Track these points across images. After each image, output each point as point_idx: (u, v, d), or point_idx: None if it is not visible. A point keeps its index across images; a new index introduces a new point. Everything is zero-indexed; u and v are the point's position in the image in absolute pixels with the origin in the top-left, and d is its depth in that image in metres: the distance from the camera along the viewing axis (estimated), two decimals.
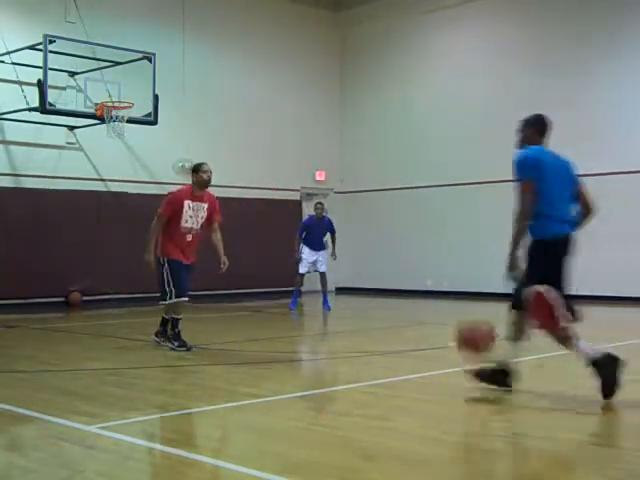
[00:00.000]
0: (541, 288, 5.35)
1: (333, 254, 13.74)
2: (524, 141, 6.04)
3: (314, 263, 13.62)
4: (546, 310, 5.27)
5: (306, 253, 13.50)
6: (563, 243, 5.66)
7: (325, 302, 13.79)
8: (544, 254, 5.58)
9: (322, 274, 13.79)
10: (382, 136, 18.34)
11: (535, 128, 6.01)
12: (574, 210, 5.85)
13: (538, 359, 7.21)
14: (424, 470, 3.98)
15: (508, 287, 5.80)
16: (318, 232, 13.63)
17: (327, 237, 13.89)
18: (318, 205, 13.84)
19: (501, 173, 16.29)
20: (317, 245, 13.60)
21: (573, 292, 5.74)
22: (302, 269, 13.59)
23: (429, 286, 17.17)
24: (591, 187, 16.20)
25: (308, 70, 18.45)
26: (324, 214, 13.87)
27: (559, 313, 5.25)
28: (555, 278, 5.51)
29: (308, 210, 18.73)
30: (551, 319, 5.26)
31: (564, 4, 15.64)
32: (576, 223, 5.83)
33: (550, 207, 5.66)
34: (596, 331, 8.25)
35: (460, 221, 16.85)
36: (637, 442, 4.59)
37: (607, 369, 5.27)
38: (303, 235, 13.57)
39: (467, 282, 16.58)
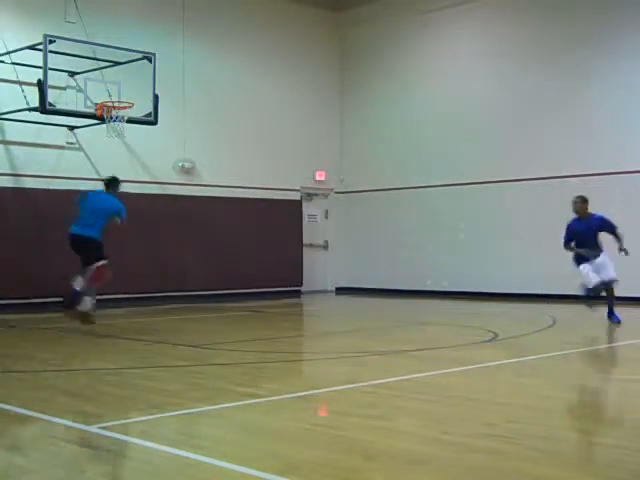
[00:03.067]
0: (101, 262, 10.33)
1: (622, 249, 10.87)
2: None
3: (598, 269, 10.90)
4: (100, 275, 10.36)
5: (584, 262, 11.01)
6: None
7: (612, 313, 11.09)
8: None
9: (609, 282, 10.96)
10: (382, 136, 18.33)
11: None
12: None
13: None
14: (424, 470, 3.98)
15: None
16: (586, 234, 11.02)
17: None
18: (576, 200, 11.15)
19: (501, 173, 16.38)
20: (590, 249, 10.97)
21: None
22: (589, 281, 10.86)
23: (429, 286, 17.18)
24: (591, 186, 16.23)
25: (308, 70, 18.45)
26: (591, 212, 11.15)
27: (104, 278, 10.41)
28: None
29: (308, 210, 18.76)
30: (99, 280, 10.41)
31: (564, 5, 15.63)
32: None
33: None
34: (595, 331, 8.26)
35: (460, 221, 16.85)
36: (637, 442, 4.59)
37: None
38: (572, 243, 11.13)
39: (467, 282, 16.58)
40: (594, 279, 10.77)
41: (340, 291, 18.71)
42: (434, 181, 17.23)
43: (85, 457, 4.33)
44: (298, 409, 5.62)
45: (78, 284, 10.35)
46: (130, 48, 13.59)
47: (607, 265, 10.88)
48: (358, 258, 18.62)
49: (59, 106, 13.23)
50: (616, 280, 10.92)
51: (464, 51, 17.08)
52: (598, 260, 10.85)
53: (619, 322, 10.88)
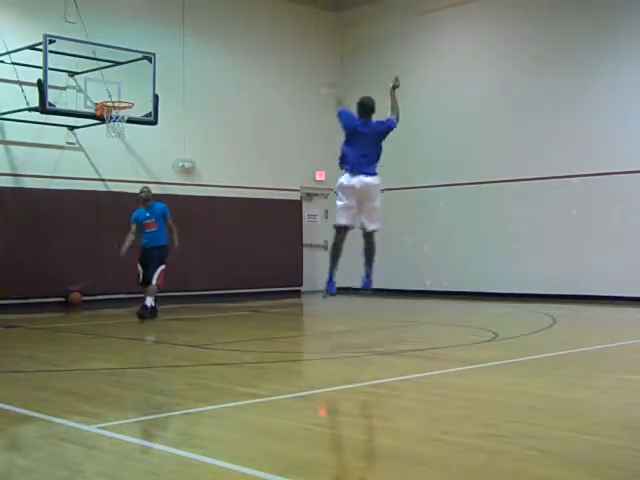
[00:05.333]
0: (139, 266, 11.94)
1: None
2: None
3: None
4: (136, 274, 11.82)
5: None
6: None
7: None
8: None
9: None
10: None
11: None
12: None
13: None
14: (424, 470, 3.98)
15: None
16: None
17: None
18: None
19: (501, 173, 16.37)
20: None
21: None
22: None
23: (429, 286, 17.18)
24: (590, 187, 16.23)
25: (308, 70, 18.43)
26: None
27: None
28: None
29: (308, 210, 18.76)
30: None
31: (564, 4, 15.63)
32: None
33: None
34: (595, 331, 8.26)
35: (460, 221, 16.85)
36: (637, 442, 4.59)
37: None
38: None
39: (467, 282, 16.57)
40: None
41: (340, 291, 18.68)
42: (434, 181, 17.22)
43: (85, 457, 4.33)
44: (298, 409, 5.62)
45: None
46: (130, 48, 13.61)
47: None
48: (357, 258, 18.57)
49: (59, 106, 13.24)
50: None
51: (464, 51, 17.08)
52: None
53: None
